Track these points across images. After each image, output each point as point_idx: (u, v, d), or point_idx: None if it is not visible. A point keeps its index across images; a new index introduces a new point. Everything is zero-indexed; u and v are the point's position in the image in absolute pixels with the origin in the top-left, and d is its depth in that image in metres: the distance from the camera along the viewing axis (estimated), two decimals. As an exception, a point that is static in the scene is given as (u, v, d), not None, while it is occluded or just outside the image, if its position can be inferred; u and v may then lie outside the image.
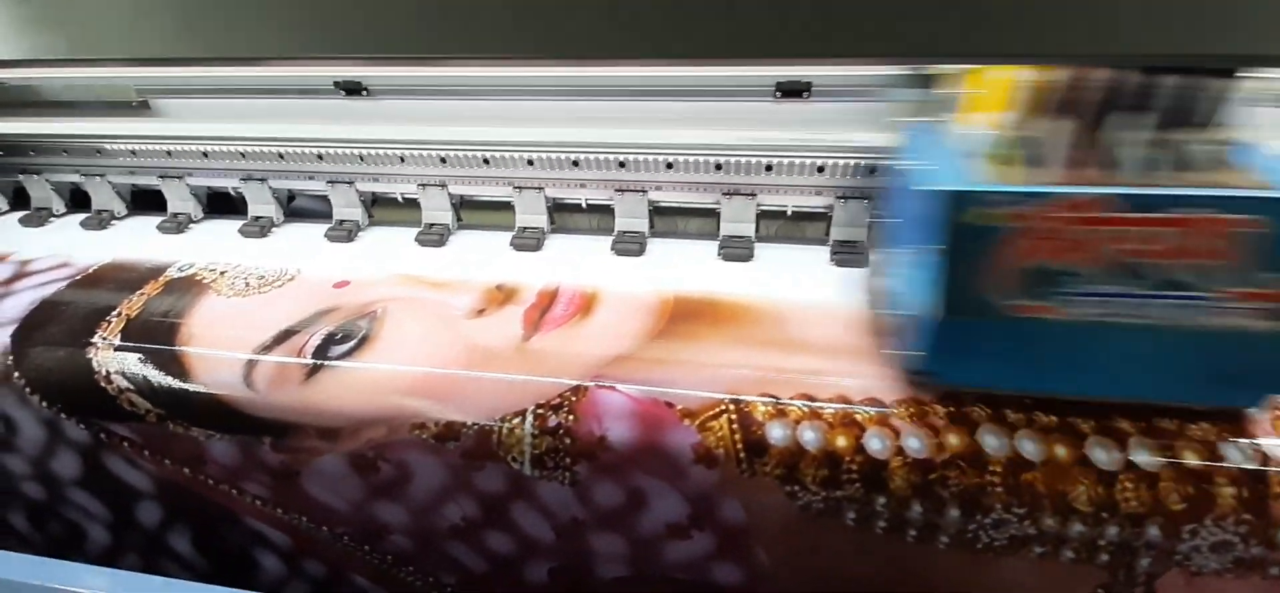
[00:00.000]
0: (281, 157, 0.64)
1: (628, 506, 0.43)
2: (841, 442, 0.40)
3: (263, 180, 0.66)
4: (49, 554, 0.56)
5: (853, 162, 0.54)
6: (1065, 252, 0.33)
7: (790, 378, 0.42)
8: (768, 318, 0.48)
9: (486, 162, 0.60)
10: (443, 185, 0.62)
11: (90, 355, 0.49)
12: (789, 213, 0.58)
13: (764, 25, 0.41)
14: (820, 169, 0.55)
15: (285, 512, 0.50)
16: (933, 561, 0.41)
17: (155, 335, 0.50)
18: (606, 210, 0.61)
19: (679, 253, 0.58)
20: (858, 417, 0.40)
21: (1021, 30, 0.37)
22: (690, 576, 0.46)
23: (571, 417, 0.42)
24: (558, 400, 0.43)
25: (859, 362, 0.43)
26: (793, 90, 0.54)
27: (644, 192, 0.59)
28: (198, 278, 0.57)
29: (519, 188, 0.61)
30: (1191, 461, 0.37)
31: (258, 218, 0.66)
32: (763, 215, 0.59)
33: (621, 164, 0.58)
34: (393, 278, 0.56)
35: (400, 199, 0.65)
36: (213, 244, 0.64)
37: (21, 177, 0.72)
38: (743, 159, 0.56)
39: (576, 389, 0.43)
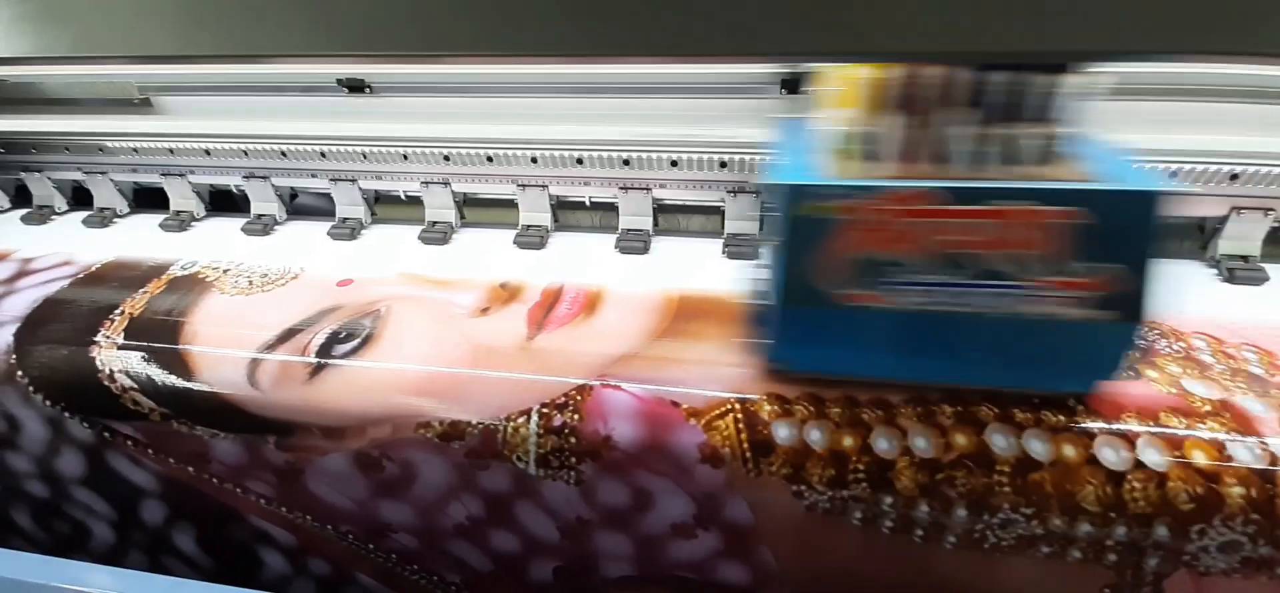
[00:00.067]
0: (284, 154, 0.64)
1: (633, 505, 0.43)
2: (848, 441, 0.40)
3: (265, 178, 0.66)
4: (53, 553, 0.56)
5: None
6: (891, 243, 0.34)
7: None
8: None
9: (490, 159, 0.60)
10: (446, 183, 0.62)
11: (93, 354, 0.49)
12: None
13: (767, 23, 0.41)
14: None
15: (290, 510, 0.50)
16: (938, 561, 0.41)
17: (158, 334, 0.50)
18: (610, 208, 0.61)
19: (683, 251, 0.58)
20: (865, 417, 0.40)
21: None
22: (696, 575, 0.45)
23: (576, 416, 0.42)
24: (563, 400, 0.43)
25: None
26: (798, 84, 0.54)
27: (648, 189, 0.59)
28: (200, 276, 0.57)
29: (522, 186, 0.60)
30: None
31: (260, 216, 0.66)
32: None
33: (626, 161, 0.58)
34: (396, 276, 0.56)
35: (403, 197, 0.65)
36: (215, 242, 0.64)
37: (23, 174, 0.72)
38: (748, 156, 0.55)
39: (581, 388, 0.43)
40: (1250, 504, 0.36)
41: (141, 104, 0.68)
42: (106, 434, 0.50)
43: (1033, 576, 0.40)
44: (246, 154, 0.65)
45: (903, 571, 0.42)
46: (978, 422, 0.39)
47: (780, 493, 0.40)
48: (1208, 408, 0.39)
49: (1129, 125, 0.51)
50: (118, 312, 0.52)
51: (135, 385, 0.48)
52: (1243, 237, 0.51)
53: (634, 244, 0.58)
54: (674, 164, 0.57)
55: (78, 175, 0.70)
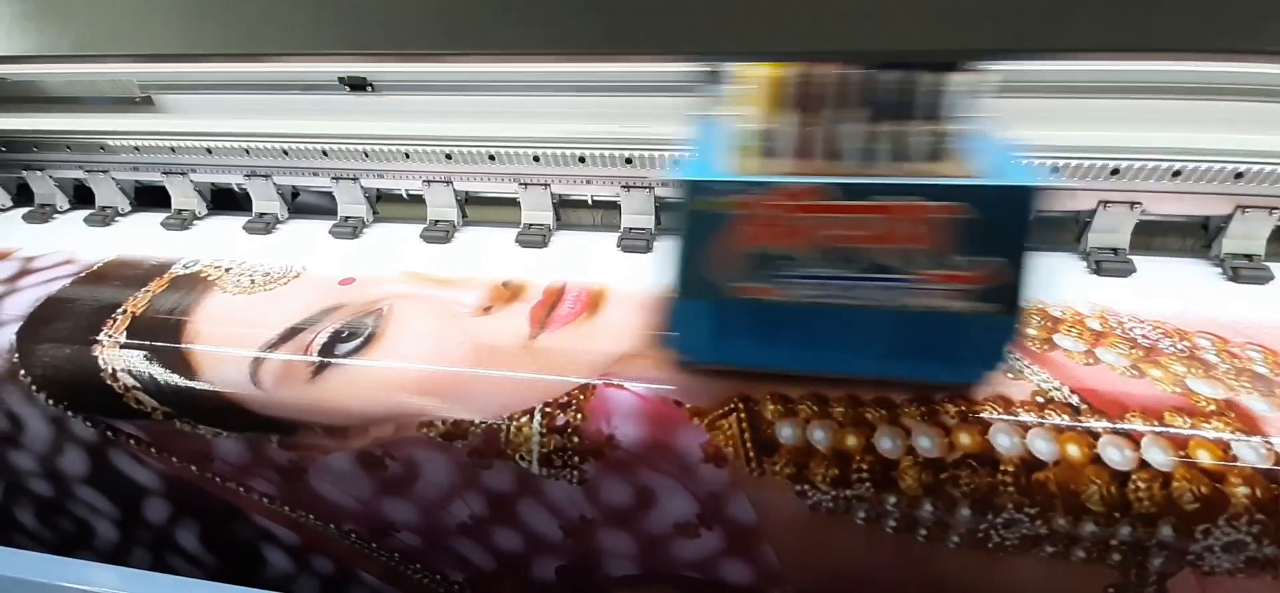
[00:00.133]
0: (286, 153, 0.64)
1: (636, 504, 0.43)
2: (852, 441, 0.40)
3: (267, 177, 0.66)
4: (58, 552, 0.56)
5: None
6: (783, 237, 0.35)
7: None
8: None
9: (492, 158, 0.60)
10: (448, 181, 0.62)
11: (96, 353, 0.49)
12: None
13: (769, 22, 0.41)
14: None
15: (293, 509, 0.50)
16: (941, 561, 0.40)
17: (161, 333, 0.50)
18: (613, 206, 0.61)
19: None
20: (869, 416, 0.40)
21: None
22: (699, 574, 0.45)
23: (579, 415, 0.42)
24: (565, 399, 0.43)
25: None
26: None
27: (651, 187, 0.58)
28: (202, 275, 0.57)
29: (525, 184, 0.60)
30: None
31: (262, 214, 0.66)
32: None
33: (628, 160, 0.57)
34: (398, 275, 0.55)
35: (405, 195, 0.65)
36: (217, 241, 0.64)
37: (25, 173, 0.72)
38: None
39: (584, 387, 0.43)
40: (1255, 504, 0.36)
41: (143, 102, 0.67)
42: (109, 433, 0.50)
43: (1037, 575, 0.40)
44: (248, 153, 0.65)
45: (906, 570, 0.42)
46: (982, 421, 0.39)
47: (783, 493, 0.40)
48: (1212, 408, 0.39)
49: (1132, 123, 0.51)
50: (120, 310, 0.52)
51: (138, 384, 0.48)
52: (1247, 235, 0.51)
53: (636, 243, 0.58)
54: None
55: (79, 174, 0.70)
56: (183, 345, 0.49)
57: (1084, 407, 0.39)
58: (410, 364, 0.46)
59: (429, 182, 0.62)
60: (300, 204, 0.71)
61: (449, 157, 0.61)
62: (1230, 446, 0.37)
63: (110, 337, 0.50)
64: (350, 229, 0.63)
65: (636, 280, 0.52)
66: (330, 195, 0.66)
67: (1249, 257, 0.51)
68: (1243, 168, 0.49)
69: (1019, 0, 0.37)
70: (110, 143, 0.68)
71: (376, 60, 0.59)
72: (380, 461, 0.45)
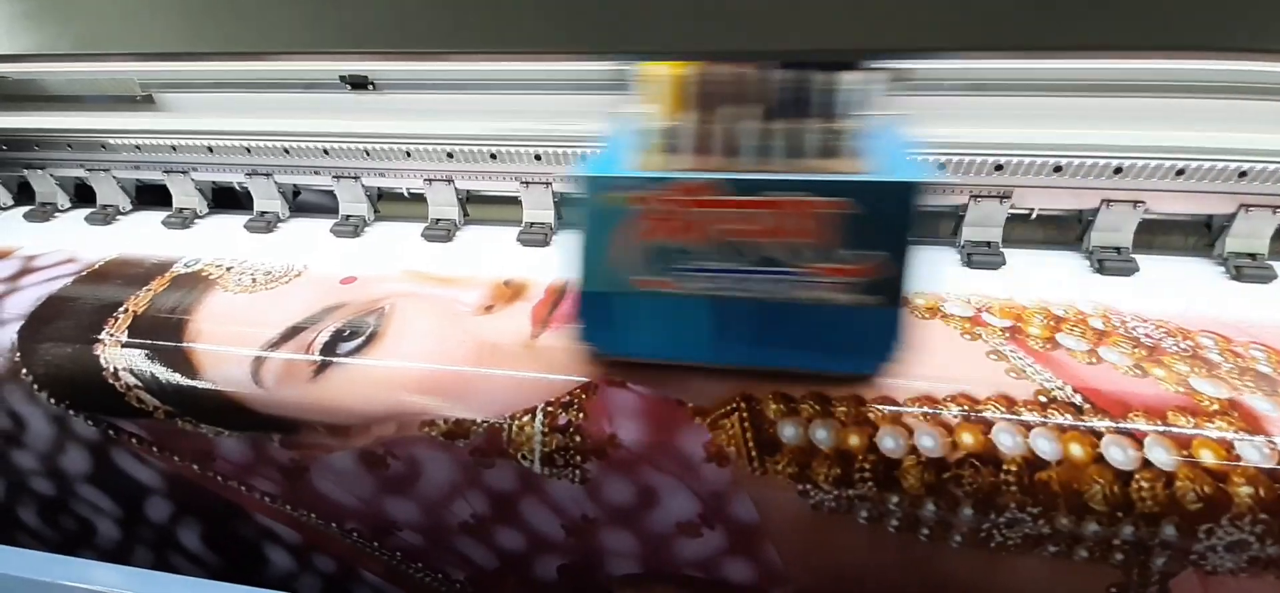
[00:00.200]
0: (287, 151, 0.64)
1: (638, 503, 0.43)
2: (855, 440, 0.40)
3: (268, 175, 0.66)
4: (60, 550, 0.56)
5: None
6: (680, 231, 0.37)
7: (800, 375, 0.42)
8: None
9: (494, 156, 0.60)
10: (449, 180, 0.62)
11: (98, 352, 0.49)
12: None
13: (772, 21, 0.41)
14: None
15: (295, 508, 0.50)
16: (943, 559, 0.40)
17: (162, 332, 0.50)
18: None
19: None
20: (871, 416, 0.40)
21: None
22: (701, 573, 0.45)
23: (582, 414, 0.42)
24: (567, 398, 0.43)
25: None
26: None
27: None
28: (204, 274, 0.57)
29: (526, 182, 0.60)
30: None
31: (263, 213, 0.66)
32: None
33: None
34: (400, 274, 0.55)
35: (406, 194, 0.65)
36: (218, 239, 0.64)
37: (26, 171, 0.72)
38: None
39: (586, 386, 0.43)
40: (1258, 504, 0.36)
41: (144, 101, 0.67)
42: (111, 432, 0.50)
43: (1039, 575, 0.40)
44: (249, 151, 0.65)
45: (908, 569, 0.42)
46: (985, 421, 0.39)
47: (786, 492, 0.40)
48: (1215, 407, 0.39)
49: (1136, 122, 0.51)
50: (121, 309, 0.52)
51: (139, 383, 0.48)
52: (1251, 234, 0.51)
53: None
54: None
55: (80, 172, 0.70)
56: (184, 344, 0.49)
57: (1087, 406, 0.39)
58: (412, 363, 0.46)
59: (430, 180, 0.62)
60: (301, 203, 0.71)
61: (450, 155, 0.61)
62: (1233, 445, 0.37)
63: (112, 335, 0.50)
64: (351, 228, 0.63)
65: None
66: (331, 194, 0.66)
67: (1253, 255, 0.51)
68: (1246, 166, 0.49)
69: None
70: (111, 141, 0.68)
71: (378, 59, 0.59)
72: (382, 459, 0.45)
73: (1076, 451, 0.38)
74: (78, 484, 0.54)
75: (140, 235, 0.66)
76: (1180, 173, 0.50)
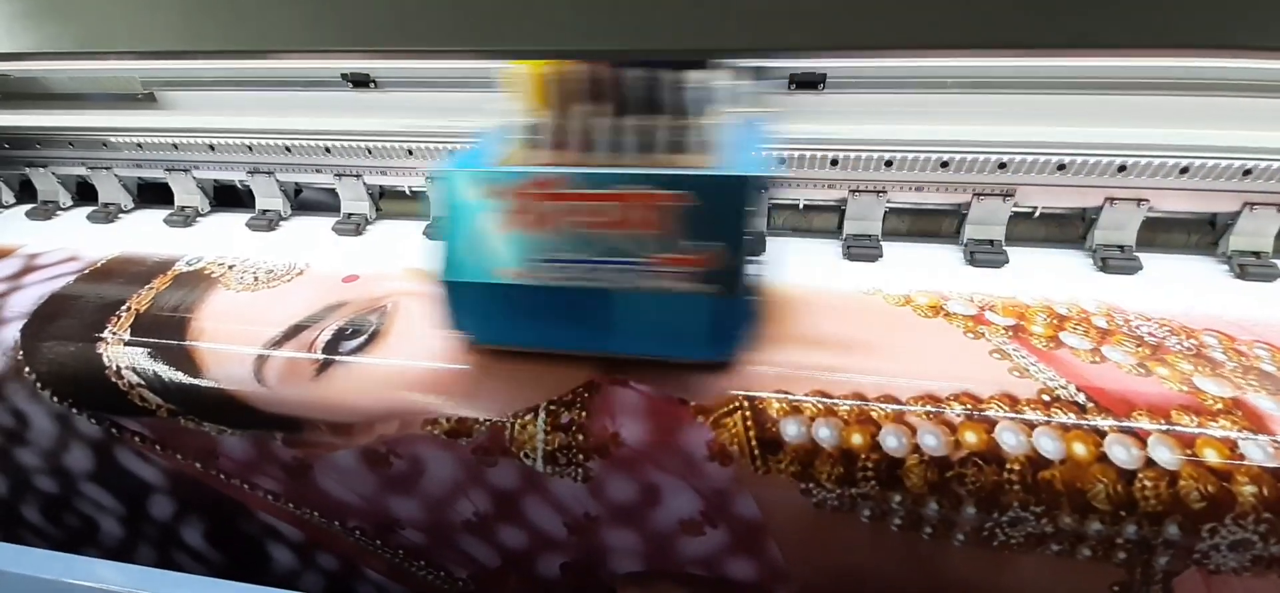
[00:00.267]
0: (289, 149, 0.64)
1: (641, 502, 0.43)
2: (857, 438, 0.40)
3: (270, 173, 0.66)
4: (64, 548, 0.56)
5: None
6: (535, 223, 0.38)
7: (805, 373, 0.42)
8: (783, 308, 0.48)
9: (495, 154, 0.60)
10: (451, 178, 0.62)
11: (100, 351, 0.49)
12: (801, 206, 0.58)
13: (775, 18, 0.41)
14: (834, 162, 0.54)
15: (297, 506, 0.50)
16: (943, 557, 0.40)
17: (165, 330, 0.50)
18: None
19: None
20: (874, 414, 0.40)
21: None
22: (704, 571, 0.45)
23: (584, 413, 0.42)
24: (570, 397, 0.43)
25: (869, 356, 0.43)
26: (807, 82, 0.53)
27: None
28: (206, 272, 0.57)
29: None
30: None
31: (265, 211, 0.66)
32: (773, 208, 0.58)
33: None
34: (402, 272, 0.55)
35: (408, 192, 0.65)
36: (220, 238, 0.64)
37: (28, 169, 0.72)
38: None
39: (589, 385, 0.43)
40: (1262, 503, 0.36)
41: (145, 99, 0.67)
42: (114, 430, 0.50)
43: (1042, 574, 0.40)
44: (251, 149, 0.65)
45: (911, 568, 0.42)
46: (988, 420, 0.39)
47: (788, 490, 0.40)
48: (1219, 406, 0.39)
49: (1140, 120, 0.51)
50: (124, 307, 0.52)
51: (142, 381, 0.48)
52: (1255, 232, 0.51)
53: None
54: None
55: (82, 170, 0.70)
56: (187, 343, 0.49)
57: (1090, 405, 0.39)
58: (414, 361, 0.46)
59: (432, 178, 0.62)
60: (303, 201, 0.71)
61: (452, 153, 0.61)
62: (1237, 444, 0.37)
63: (114, 334, 0.50)
64: (353, 226, 0.63)
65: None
66: (333, 192, 0.66)
67: (1257, 254, 0.51)
68: (1251, 165, 0.49)
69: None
70: (113, 139, 0.68)
71: (379, 57, 0.58)
72: (385, 458, 0.45)
73: (1080, 449, 0.38)
74: (81, 482, 0.54)
75: (142, 234, 0.66)
76: (1184, 171, 0.50)
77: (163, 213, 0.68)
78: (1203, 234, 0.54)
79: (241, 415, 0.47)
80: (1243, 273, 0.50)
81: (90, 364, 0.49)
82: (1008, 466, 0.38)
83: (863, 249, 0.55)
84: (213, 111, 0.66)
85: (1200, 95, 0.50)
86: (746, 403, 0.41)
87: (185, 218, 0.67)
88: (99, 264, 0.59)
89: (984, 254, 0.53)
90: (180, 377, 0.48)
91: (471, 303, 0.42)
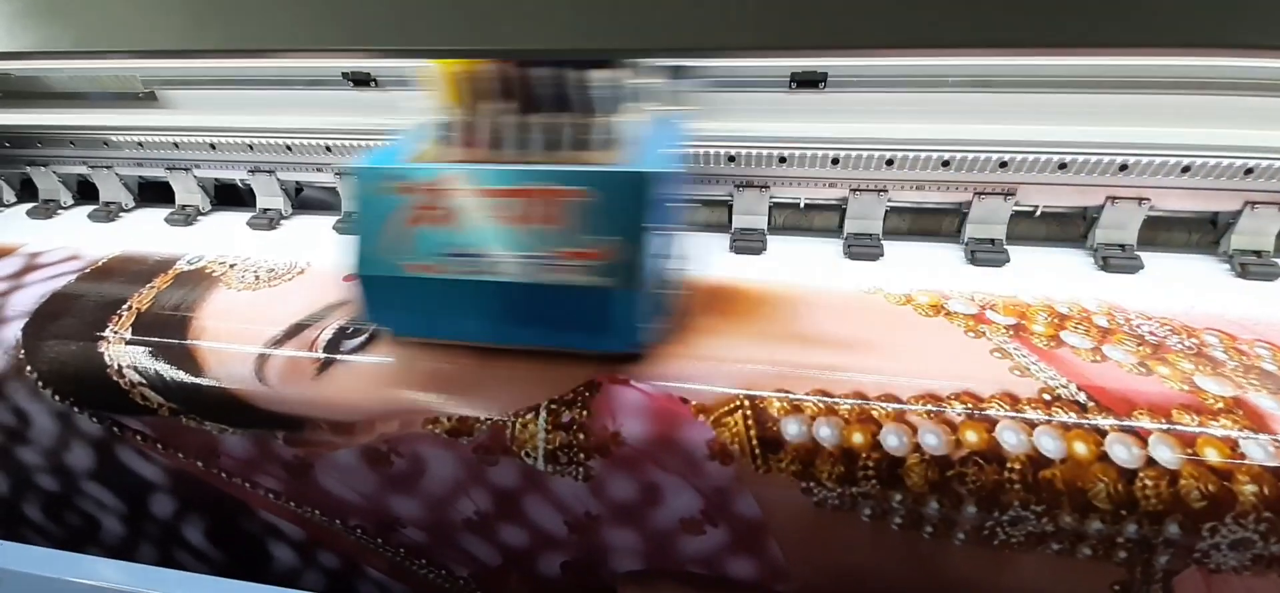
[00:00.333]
0: (289, 148, 0.64)
1: (641, 501, 0.43)
2: (858, 438, 0.40)
3: (271, 172, 0.66)
4: (65, 546, 0.56)
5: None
6: (443, 218, 0.40)
7: (806, 373, 0.42)
8: (784, 307, 0.48)
9: (496, 153, 0.60)
10: (452, 177, 0.62)
11: (102, 350, 0.49)
12: (802, 205, 0.58)
13: (778, 16, 0.41)
14: (835, 160, 0.54)
15: (298, 505, 0.50)
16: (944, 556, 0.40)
17: (166, 329, 0.50)
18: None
19: (691, 245, 0.57)
20: (875, 413, 0.40)
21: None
22: (704, 570, 0.46)
23: (585, 412, 0.42)
24: (571, 395, 0.43)
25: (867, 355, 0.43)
26: (808, 81, 0.53)
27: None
28: (207, 271, 0.57)
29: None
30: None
31: (266, 210, 0.66)
32: (775, 207, 0.58)
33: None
34: (403, 271, 0.55)
35: (409, 191, 0.65)
36: (221, 237, 0.64)
37: (29, 168, 0.72)
38: (756, 151, 0.55)
39: (590, 384, 0.43)
40: (1263, 502, 0.36)
41: (146, 98, 0.67)
42: (115, 429, 0.50)
43: (1042, 572, 0.40)
44: (252, 148, 0.65)
45: (911, 567, 0.42)
46: (989, 419, 0.39)
47: (789, 489, 0.40)
48: (1220, 405, 0.39)
49: (1141, 119, 0.51)
50: (125, 306, 0.52)
51: (143, 380, 0.48)
52: (1256, 231, 0.51)
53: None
54: (681, 158, 0.57)
55: (83, 169, 0.70)
56: (188, 341, 0.49)
57: (1091, 404, 0.39)
58: (416, 360, 0.46)
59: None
60: (304, 200, 0.71)
61: (453, 152, 0.61)
62: (1238, 443, 0.37)
63: (116, 332, 0.50)
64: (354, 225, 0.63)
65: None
66: (334, 191, 0.66)
67: (1258, 253, 0.51)
68: (1252, 163, 0.49)
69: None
70: (113, 138, 0.68)
71: (380, 56, 0.58)
72: (386, 457, 0.45)
73: (1080, 448, 0.38)
74: (82, 481, 0.54)
75: (143, 233, 0.66)
76: (1186, 170, 0.50)
77: (164, 212, 0.69)
78: (1204, 233, 0.54)
79: (243, 414, 0.47)
80: (1244, 272, 0.50)
81: (91, 363, 0.49)
82: (1008, 465, 0.38)
83: (864, 248, 0.55)
84: (213, 110, 0.66)
85: (1202, 94, 0.50)
86: (747, 402, 0.41)
87: (186, 217, 0.67)
88: (100, 263, 0.59)
89: (985, 253, 0.53)
90: (181, 375, 0.48)
91: (384, 296, 0.42)
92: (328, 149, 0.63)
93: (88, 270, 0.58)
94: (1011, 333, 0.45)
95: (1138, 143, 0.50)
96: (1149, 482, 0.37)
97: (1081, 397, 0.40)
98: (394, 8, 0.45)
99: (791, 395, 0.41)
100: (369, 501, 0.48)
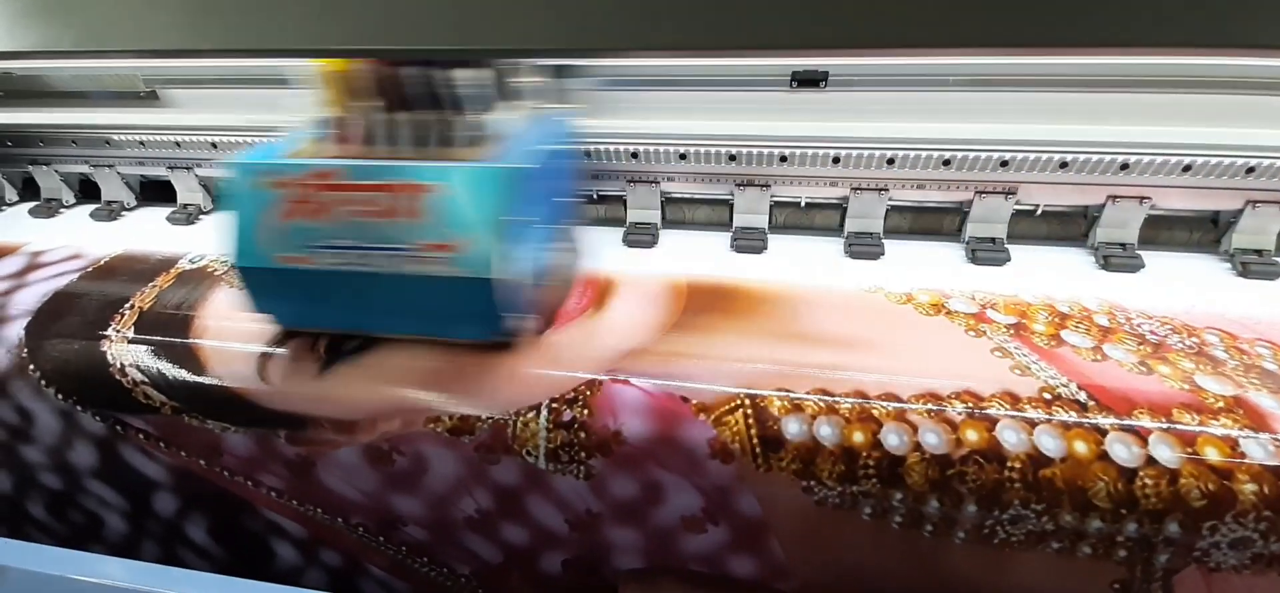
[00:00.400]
0: (290, 147, 0.64)
1: (642, 499, 0.43)
2: (859, 437, 0.40)
3: (272, 171, 0.66)
4: (68, 544, 0.56)
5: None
6: (313, 212, 0.41)
7: (807, 372, 0.42)
8: (785, 306, 0.48)
9: (497, 152, 0.60)
10: (453, 176, 0.62)
11: (104, 349, 0.49)
12: (803, 204, 0.58)
13: (780, 15, 0.41)
14: (836, 159, 0.54)
15: (301, 503, 0.51)
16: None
17: (168, 328, 0.50)
18: (618, 201, 0.61)
19: (691, 244, 0.58)
20: (875, 412, 0.40)
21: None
22: (705, 568, 0.46)
23: (586, 411, 0.42)
24: (572, 395, 0.43)
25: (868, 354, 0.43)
26: (809, 80, 0.53)
27: (656, 182, 0.58)
28: (209, 270, 0.57)
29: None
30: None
31: (267, 209, 0.66)
32: (776, 205, 0.58)
33: (634, 155, 0.57)
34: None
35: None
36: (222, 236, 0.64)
37: (31, 167, 0.72)
38: (756, 149, 0.55)
39: (591, 383, 0.43)
40: (1262, 501, 0.36)
41: (148, 97, 0.67)
42: (118, 427, 0.50)
43: (1042, 571, 0.40)
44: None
45: (912, 565, 0.42)
46: (989, 417, 0.39)
47: (790, 488, 0.40)
48: (1221, 404, 0.39)
49: (1142, 118, 0.51)
50: (128, 305, 0.52)
51: (146, 379, 0.48)
52: (1258, 230, 0.51)
53: (643, 238, 0.58)
54: (682, 157, 0.57)
55: (85, 168, 0.71)
56: (190, 340, 0.49)
57: (1091, 403, 0.39)
58: (417, 359, 0.46)
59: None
60: (305, 198, 0.71)
61: (454, 151, 0.61)
62: (1238, 442, 0.37)
63: (118, 331, 0.50)
64: (355, 224, 0.63)
65: (642, 275, 0.52)
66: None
67: (1259, 252, 0.51)
68: (1254, 162, 0.49)
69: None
70: (115, 137, 0.68)
71: (381, 55, 0.58)
72: (387, 455, 0.46)
73: (1081, 447, 0.38)
74: (85, 479, 0.55)
75: (145, 231, 0.66)
76: (1187, 169, 0.50)
77: (165, 211, 0.69)
78: (1205, 232, 0.54)
79: (245, 413, 0.47)
80: (1245, 271, 0.50)
81: (94, 362, 0.49)
82: (1009, 463, 0.38)
83: (865, 247, 0.55)
84: (215, 110, 0.66)
85: (1203, 93, 0.50)
86: (748, 401, 0.41)
87: (188, 216, 0.67)
88: (102, 262, 0.59)
89: (986, 252, 0.53)
90: (184, 374, 0.48)
91: (262, 287, 0.44)
92: (329, 148, 0.63)
93: (90, 269, 0.58)
94: (1012, 332, 0.45)
95: (1139, 142, 0.50)
96: (1149, 481, 0.37)
97: (1082, 396, 0.40)
98: (393, 6, 0.45)
99: (792, 394, 0.41)
100: (371, 499, 0.48)
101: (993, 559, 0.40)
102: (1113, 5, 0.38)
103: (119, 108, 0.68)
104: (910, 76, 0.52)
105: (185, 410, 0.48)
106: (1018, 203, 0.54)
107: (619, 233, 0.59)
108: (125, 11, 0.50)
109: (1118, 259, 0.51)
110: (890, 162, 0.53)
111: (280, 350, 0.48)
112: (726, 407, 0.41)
